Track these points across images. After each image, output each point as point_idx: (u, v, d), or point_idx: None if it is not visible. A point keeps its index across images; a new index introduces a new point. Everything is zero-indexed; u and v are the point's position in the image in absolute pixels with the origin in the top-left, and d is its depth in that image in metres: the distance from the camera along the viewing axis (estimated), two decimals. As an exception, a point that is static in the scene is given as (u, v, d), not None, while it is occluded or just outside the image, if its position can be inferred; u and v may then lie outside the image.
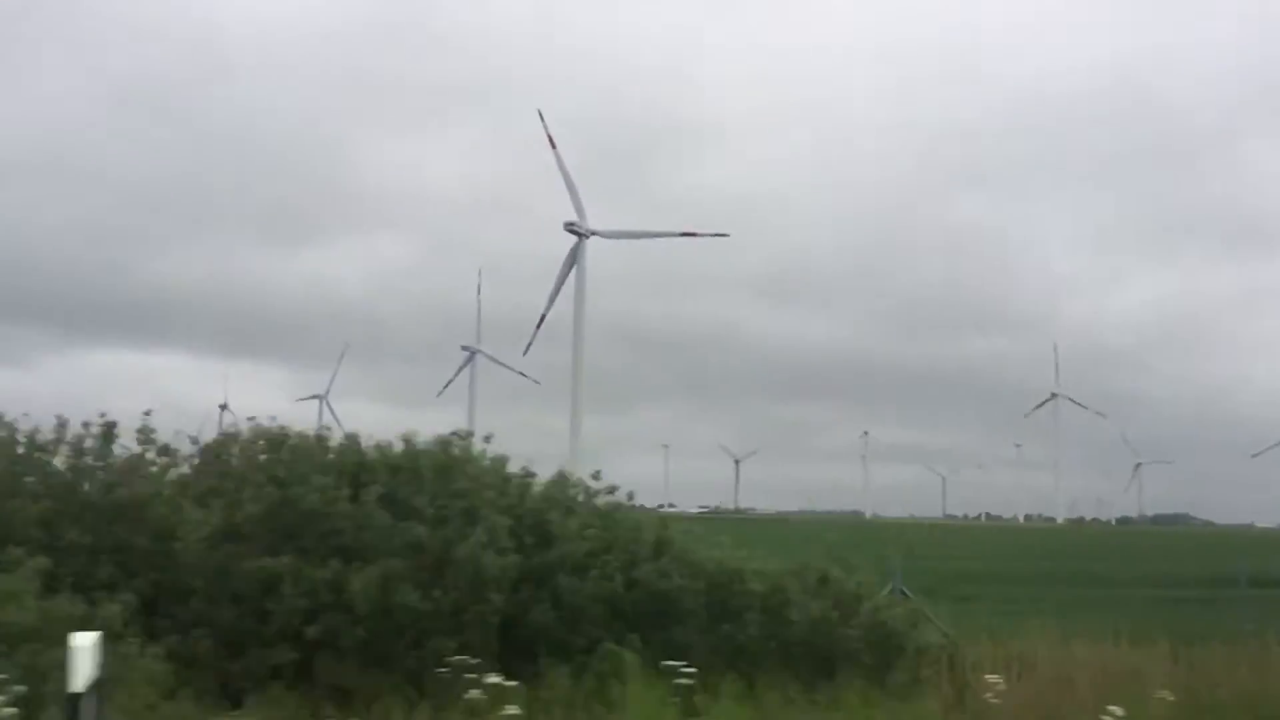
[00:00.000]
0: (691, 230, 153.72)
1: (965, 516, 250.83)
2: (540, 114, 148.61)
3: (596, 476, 11.99)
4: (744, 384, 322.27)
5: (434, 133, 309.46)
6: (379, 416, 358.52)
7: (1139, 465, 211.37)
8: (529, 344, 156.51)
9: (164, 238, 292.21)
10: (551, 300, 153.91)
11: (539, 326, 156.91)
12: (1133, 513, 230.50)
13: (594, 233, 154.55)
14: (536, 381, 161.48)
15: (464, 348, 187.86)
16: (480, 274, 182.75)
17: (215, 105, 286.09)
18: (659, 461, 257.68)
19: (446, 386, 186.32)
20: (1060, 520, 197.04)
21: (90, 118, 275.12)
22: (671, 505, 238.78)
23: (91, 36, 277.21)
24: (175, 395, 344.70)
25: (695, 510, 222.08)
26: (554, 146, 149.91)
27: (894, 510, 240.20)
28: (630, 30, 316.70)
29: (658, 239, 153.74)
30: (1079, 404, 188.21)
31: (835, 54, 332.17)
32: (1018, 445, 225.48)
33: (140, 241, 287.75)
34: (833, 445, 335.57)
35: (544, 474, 12.20)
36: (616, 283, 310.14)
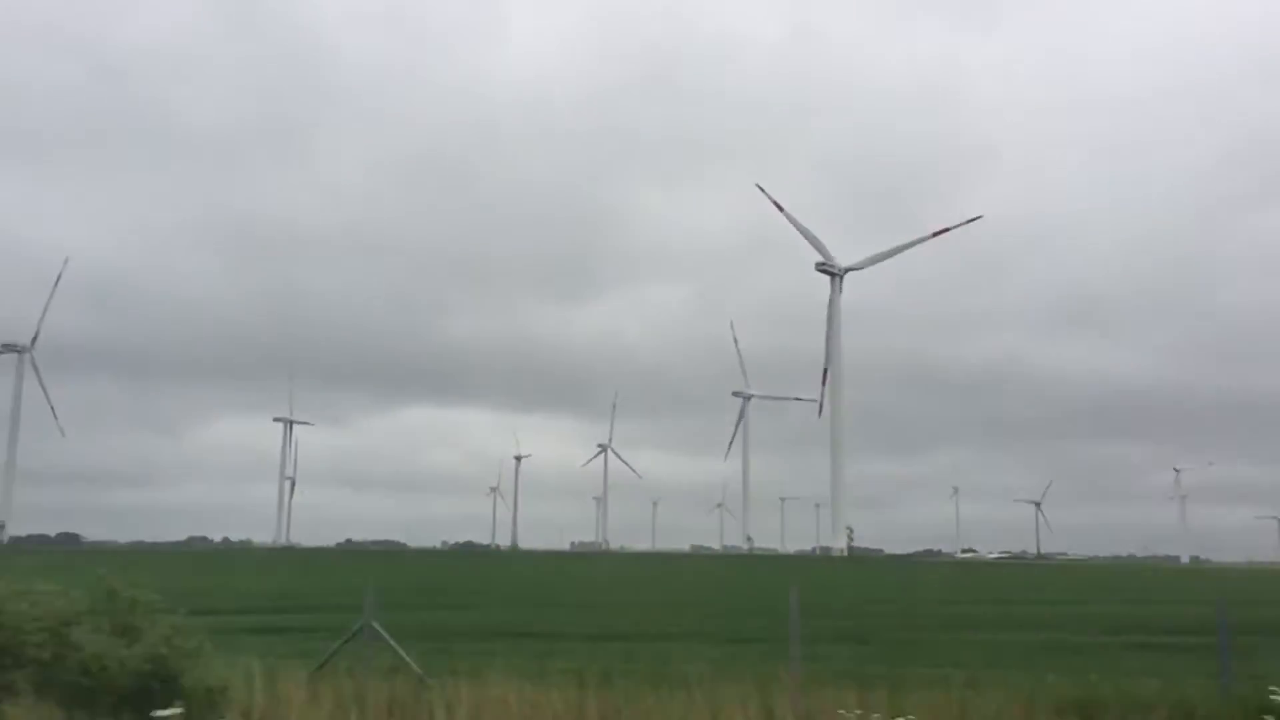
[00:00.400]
0: (942, 228, 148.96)
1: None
2: (760, 187, 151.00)
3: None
4: (1040, 422, 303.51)
5: (699, 182, 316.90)
6: (672, 467, 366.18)
7: None
8: (820, 401, 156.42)
9: (457, 301, 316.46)
10: (829, 350, 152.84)
11: (825, 381, 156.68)
12: None
13: (848, 269, 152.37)
14: (814, 400, 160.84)
15: (735, 393, 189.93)
16: (733, 326, 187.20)
17: (493, 172, 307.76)
18: (951, 503, 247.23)
19: (731, 444, 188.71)
20: None
21: (383, 195, 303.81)
22: (970, 550, 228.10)
23: (378, 121, 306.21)
24: (478, 447, 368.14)
25: (993, 556, 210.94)
26: (780, 209, 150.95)
27: (1229, 555, 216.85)
28: (888, 60, 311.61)
29: (913, 248, 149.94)
30: None
31: (1112, 62, 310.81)
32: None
33: (436, 306, 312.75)
34: (1147, 485, 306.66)
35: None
36: (899, 324, 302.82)
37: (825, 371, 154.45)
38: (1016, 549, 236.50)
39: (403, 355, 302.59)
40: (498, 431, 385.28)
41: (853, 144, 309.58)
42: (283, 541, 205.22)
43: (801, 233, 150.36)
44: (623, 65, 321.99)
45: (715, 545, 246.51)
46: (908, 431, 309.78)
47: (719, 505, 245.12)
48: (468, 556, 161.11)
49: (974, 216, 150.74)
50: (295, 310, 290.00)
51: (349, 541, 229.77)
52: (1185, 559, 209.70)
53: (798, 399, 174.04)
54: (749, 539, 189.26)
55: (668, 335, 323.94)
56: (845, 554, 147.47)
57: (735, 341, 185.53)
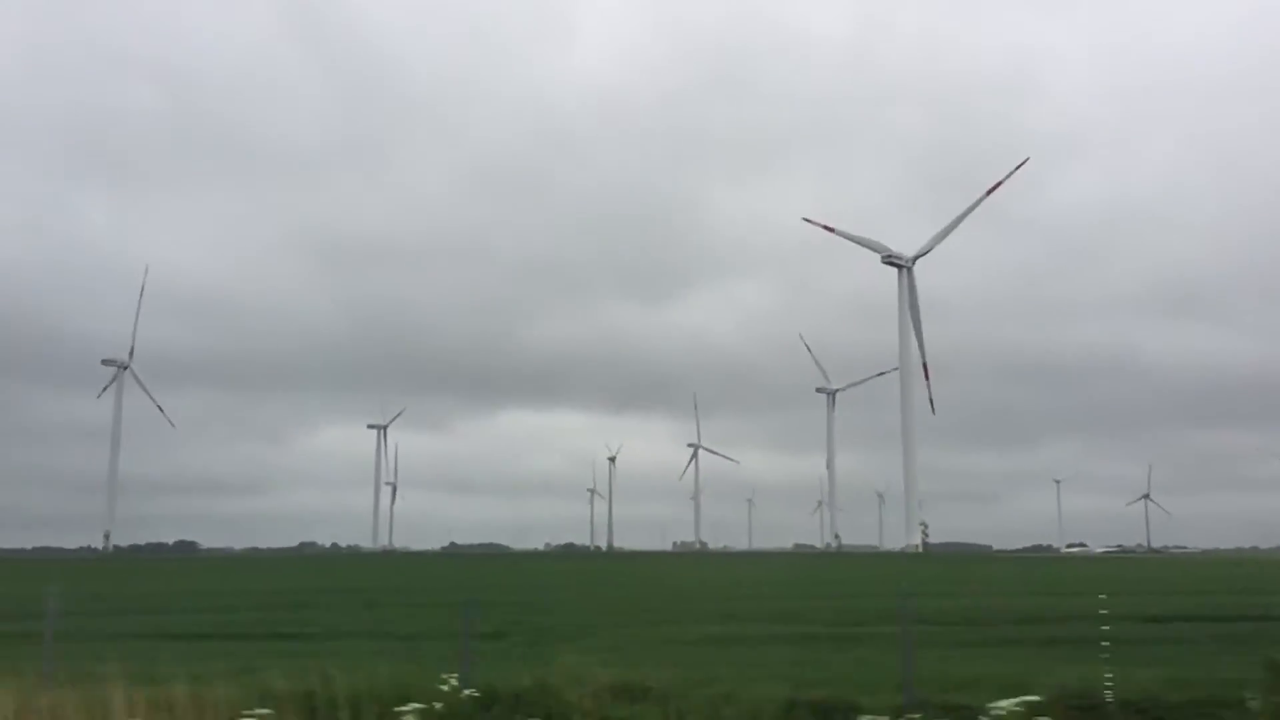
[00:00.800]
0: (994, 184, 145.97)
1: None
2: (806, 219, 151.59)
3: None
4: (1150, 411, 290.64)
5: (774, 178, 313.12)
6: (773, 464, 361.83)
7: None
8: (930, 397, 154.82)
9: (543, 305, 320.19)
10: (920, 344, 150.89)
11: (928, 376, 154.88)
12: None
13: (916, 256, 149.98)
14: (895, 369, 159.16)
15: (819, 389, 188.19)
16: (802, 336, 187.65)
17: (571, 177, 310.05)
18: (1066, 497, 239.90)
19: (830, 449, 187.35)
20: None
21: (464, 203, 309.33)
22: (1079, 545, 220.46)
23: (455, 131, 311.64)
24: (574, 449, 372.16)
25: (1100, 551, 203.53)
26: (831, 230, 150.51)
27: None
28: (963, 49, 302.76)
29: (969, 216, 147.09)
30: None
31: (1189, 41, 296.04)
32: None
33: (524, 310, 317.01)
34: (1264, 474, 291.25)
35: None
36: (997, 315, 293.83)
37: (925, 366, 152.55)
38: (1130, 543, 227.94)
39: (494, 360, 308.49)
40: (592, 433, 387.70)
41: (931, 135, 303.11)
42: (384, 545, 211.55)
43: (859, 242, 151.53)
44: (692, 65, 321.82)
45: (817, 544, 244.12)
46: (1013, 424, 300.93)
47: (819, 503, 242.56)
48: (552, 557, 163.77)
49: (1021, 161, 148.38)
50: (386, 319, 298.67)
51: (452, 545, 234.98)
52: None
53: (880, 373, 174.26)
54: (836, 536, 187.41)
55: (753, 331, 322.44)
56: (920, 550, 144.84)
57: (808, 349, 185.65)
